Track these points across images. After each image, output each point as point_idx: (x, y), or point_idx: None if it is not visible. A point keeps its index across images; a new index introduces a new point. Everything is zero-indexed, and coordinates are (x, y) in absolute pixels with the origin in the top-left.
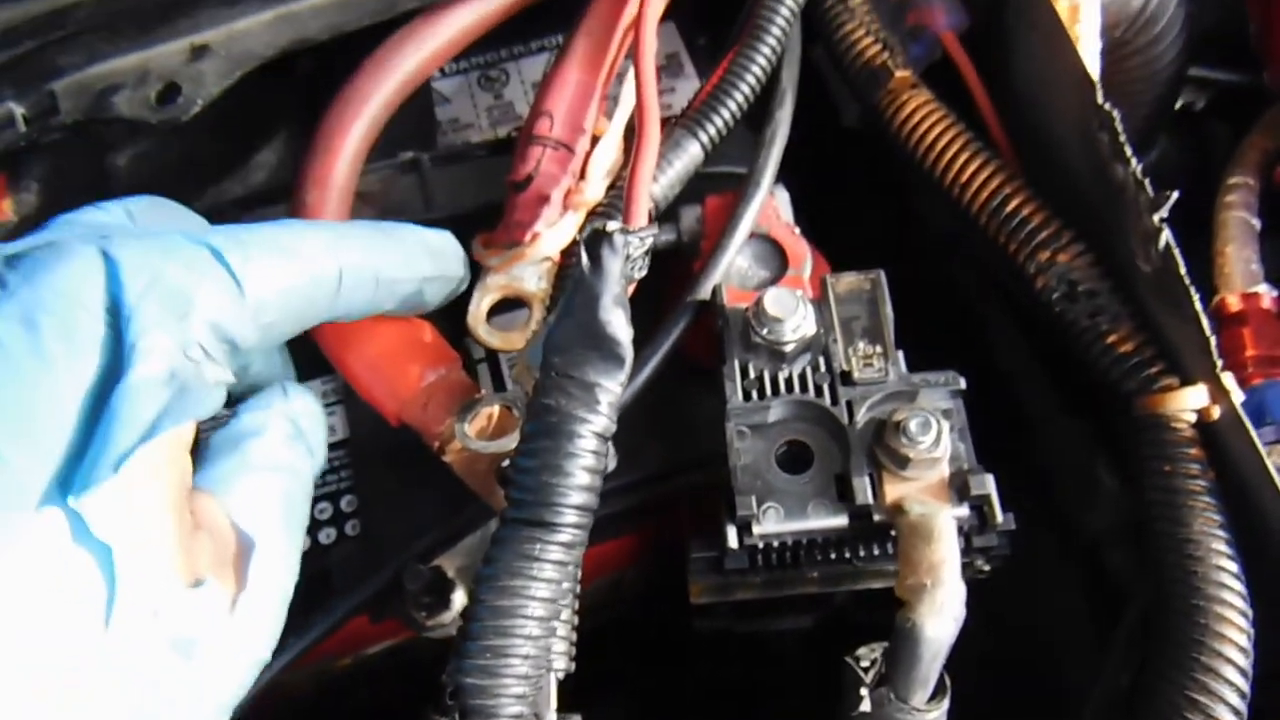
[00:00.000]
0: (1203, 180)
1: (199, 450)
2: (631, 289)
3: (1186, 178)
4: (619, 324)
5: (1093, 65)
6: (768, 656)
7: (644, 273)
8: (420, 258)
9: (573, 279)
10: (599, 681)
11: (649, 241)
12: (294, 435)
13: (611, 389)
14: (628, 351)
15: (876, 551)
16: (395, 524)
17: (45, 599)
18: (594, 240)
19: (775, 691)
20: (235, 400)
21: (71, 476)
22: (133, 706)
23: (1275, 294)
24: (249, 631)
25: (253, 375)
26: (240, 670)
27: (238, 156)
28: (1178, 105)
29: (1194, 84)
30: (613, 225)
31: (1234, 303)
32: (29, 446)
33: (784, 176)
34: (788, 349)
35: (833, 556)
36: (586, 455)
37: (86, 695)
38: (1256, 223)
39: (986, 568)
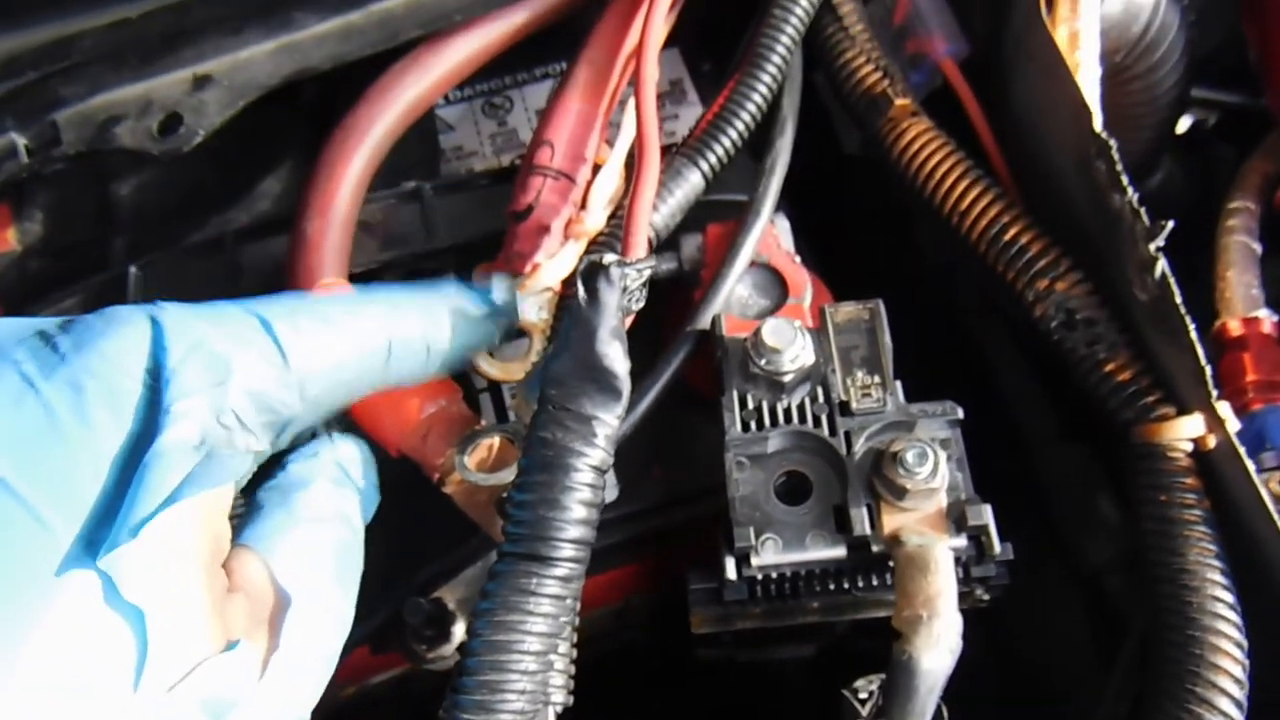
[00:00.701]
0: (1207, 202)
1: (249, 506)
2: (630, 320)
3: (1191, 200)
4: (616, 357)
5: (1092, 93)
6: (769, 684)
7: (642, 304)
8: (463, 322)
9: (570, 312)
10: (601, 710)
11: (646, 273)
12: (342, 481)
13: (609, 422)
14: (625, 384)
15: (875, 582)
16: (396, 555)
17: (74, 660)
18: (591, 273)
19: (776, 718)
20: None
21: (100, 538)
22: None
23: (1276, 319)
24: (284, 693)
25: (286, 440)
26: None
27: (241, 185)
28: (1182, 127)
29: (1198, 105)
30: (610, 258)
31: (1235, 327)
32: (67, 509)
33: (784, 204)
34: (786, 379)
35: (831, 587)
36: (583, 489)
37: None
38: (1258, 247)
39: (986, 597)
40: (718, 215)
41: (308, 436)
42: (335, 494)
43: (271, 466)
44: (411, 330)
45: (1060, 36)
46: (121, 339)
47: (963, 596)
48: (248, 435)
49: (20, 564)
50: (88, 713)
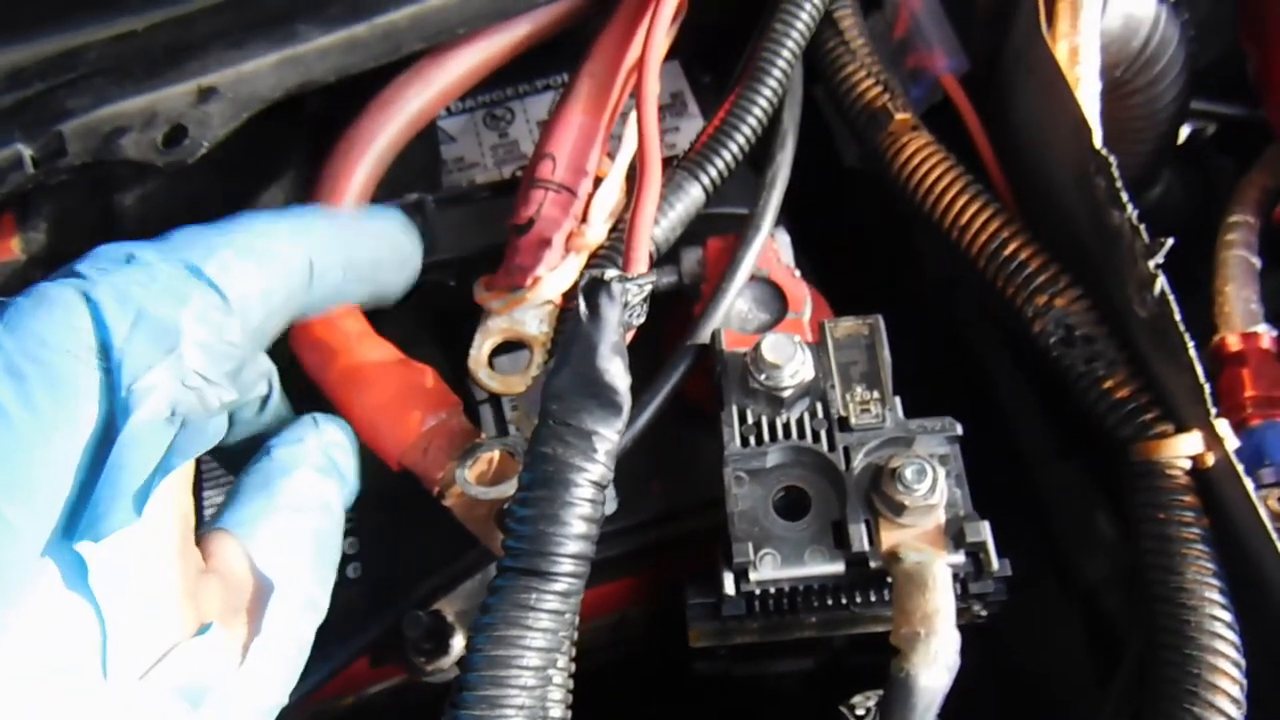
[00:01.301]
0: (1206, 214)
1: (231, 489)
2: (631, 335)
3: (1190, 213)
4: (616, 372)
5: (1092, 108)
6: (766, 698)
7: (643, 319)
8: (378, 241)
9: (570, 327)
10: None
11: (647, 288)
12: (325, 468)
13: (609, 437)
14: (625, 399)
15: (874, 598)
16: (396, 568)
17: (42, 652)
18: (592, 289)
19: None
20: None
21: (75, 526)
22: None
23: (1275, 334)
24: (261, 679)
25: (244, 387)
26: (250, 718)
27: (245, 197)
28: (1182, 138)
29: (1196, 116)
30: (611, 273)
31: (1234, 342)
32: (27, 501)
33: (784, 218)
34: (785, 394)
35: (829, 603)
36: (583, 504)
37: None
38: (1257, 261)
39: (983, 613)
40: (718, 228)
41: (260, 381)
42: (318, 481)
43: (255, 448)
44: (323, 245)
45: (1060, 52)
46: (56, 320)
47: (960, 613)
48: (215, 389)
49: None
50: (60, 702)
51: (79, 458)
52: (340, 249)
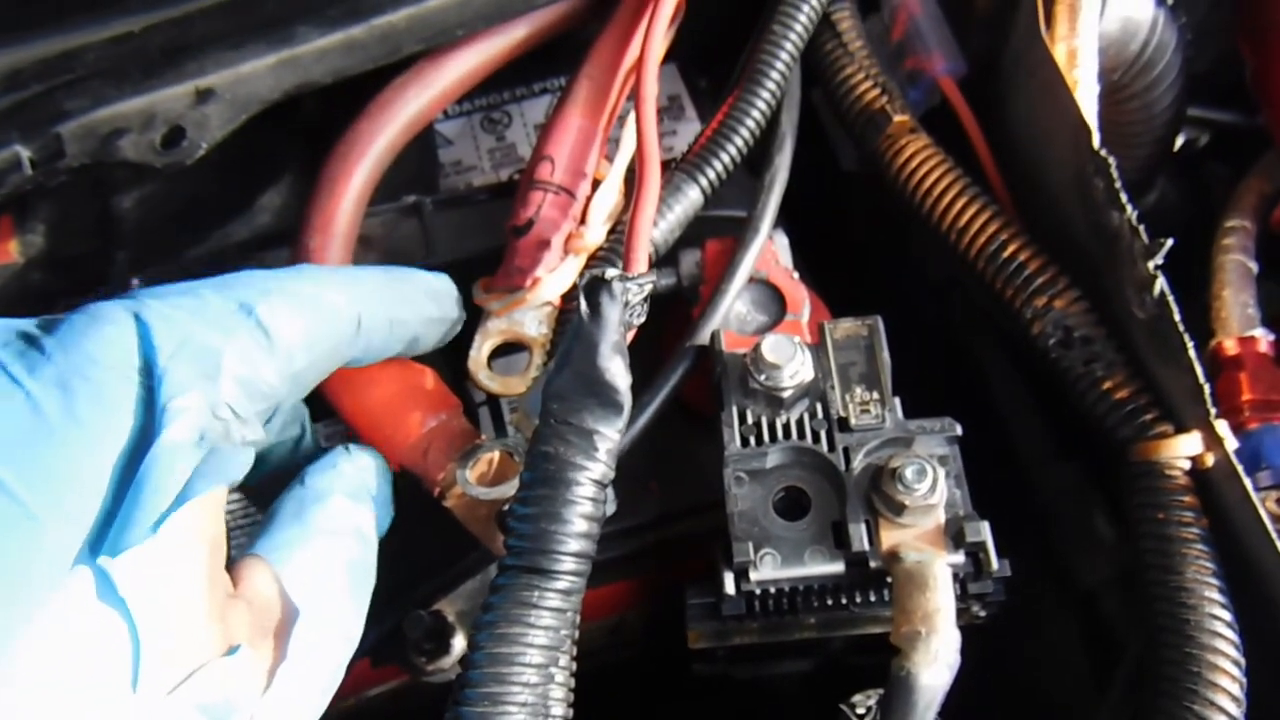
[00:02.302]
0: (1202, 221)
1: (265, 516)
2: (631, 335)
3: (1185, 219)
4: (617, 371)
5: (1090, 111)
6: (764, 701)
7: (643, 319)
8: (424, 300)
9: (571, 327)
10: None
11: (647, 288)
12: (359, 495)
13: (610, 436)
14: (626, 399)
15: (873, 598)
16: (396, 569)
17: (73, 661)
18: (592, 288)
19: None
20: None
21: (103, 538)
22: None
23: (1272, 338)
24: (287, 704)
25: (278, 429)
26: None
27: (242, 200)
28: (1176, 146)
29: (1193, 123)
30: (611, 272)
31: (1230, 347)
32: (62, 508)
33: (783, 221)
34: (785, 395)
35: (829, 603)
36: (585, 503)
37: None
38: (1254, 266)
39: (983, 614)
40: (716, 231)
41: (294, 424)
42: (351, 509)
43: (289, 477)
44: (373, 302)
45: (1058, 54)
46: (106, 337)
47: (959, 614)
48: (243, 426)
49: (14, 563)
50: (88, 713)
51: (112, 470)
52: (390, 305)
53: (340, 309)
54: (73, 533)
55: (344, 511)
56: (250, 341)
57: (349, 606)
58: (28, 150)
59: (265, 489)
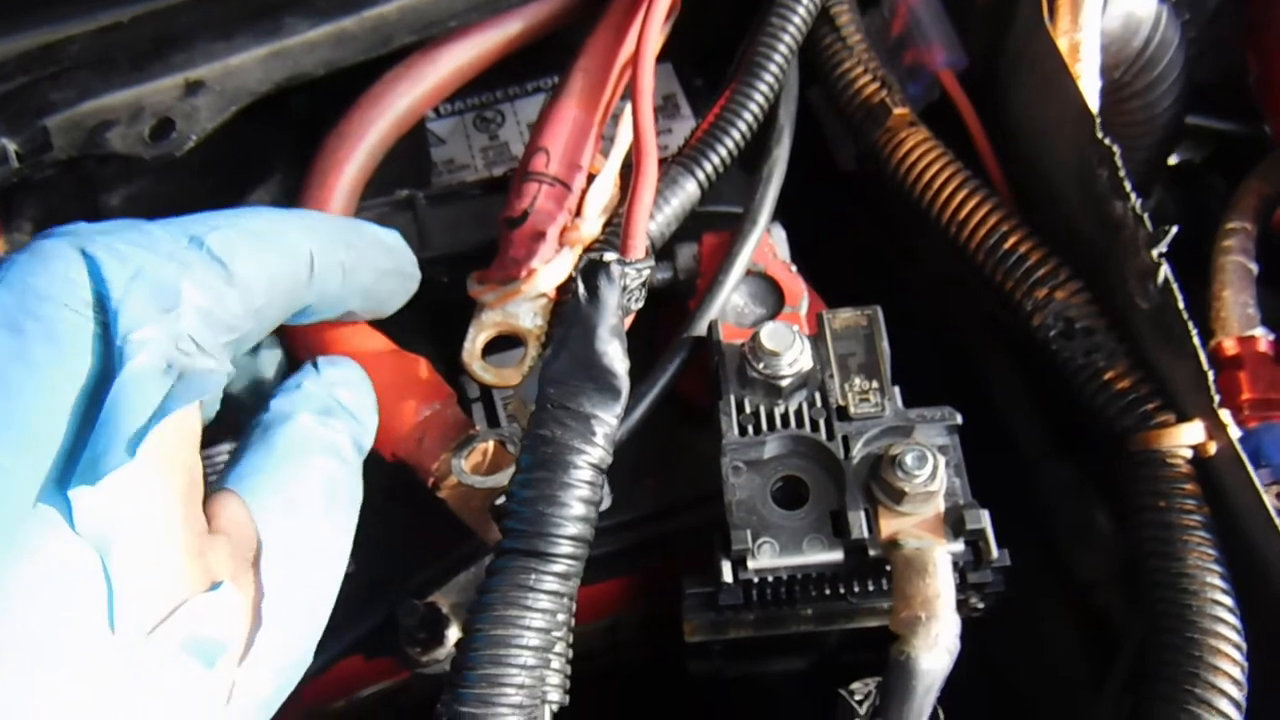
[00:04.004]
0: (1198, 231)
1: (234, 450)
2: (629, 321)
3: (1182, 229)
4: (615, 355)
5: (1092, 102)
6: (760, 700)
7: (641, 304)
8: (375, 250)
9: (569, 310)
10: None
11: (646, 273)
12: (329, 409)
13: (607, 421)
14: (624, 383)
15: (871, 587)
16: (390, 561)
17: (47, 602)
18: (591, 271)
19: None
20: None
21: (70, 472)
22: (151, 713)
23: (1272, 337)
24: (278, 636)
25: (250, 364)
26: (268, 678)
27: (231, 196)
28: (1176, 159)
29: (1191, 136)
30: (610, 256)
31: (1230, 346)
32: (22, 449)
33: (780, 216)
34: (784, 384)
35: (827, 592)
36: (582, 486)
37: (97, 700)
38: (1254, 267)
39: (981, 605)
40: (713, 227)
41: (268, 367)
42: (320, 426)
43: (258, 406)
44: (326, 243)
45: (1061, 46)
46: (54, 273)
47: (958, 604)
48: (207, 359)
49: None
50: (63, 654)
51: (73, 408)
52: (341, 248)
53: (293, 245)
54: (36, 474)
55: (312, 430)
56: (207, 273)
57: (329, 527)
58: (14, 144)
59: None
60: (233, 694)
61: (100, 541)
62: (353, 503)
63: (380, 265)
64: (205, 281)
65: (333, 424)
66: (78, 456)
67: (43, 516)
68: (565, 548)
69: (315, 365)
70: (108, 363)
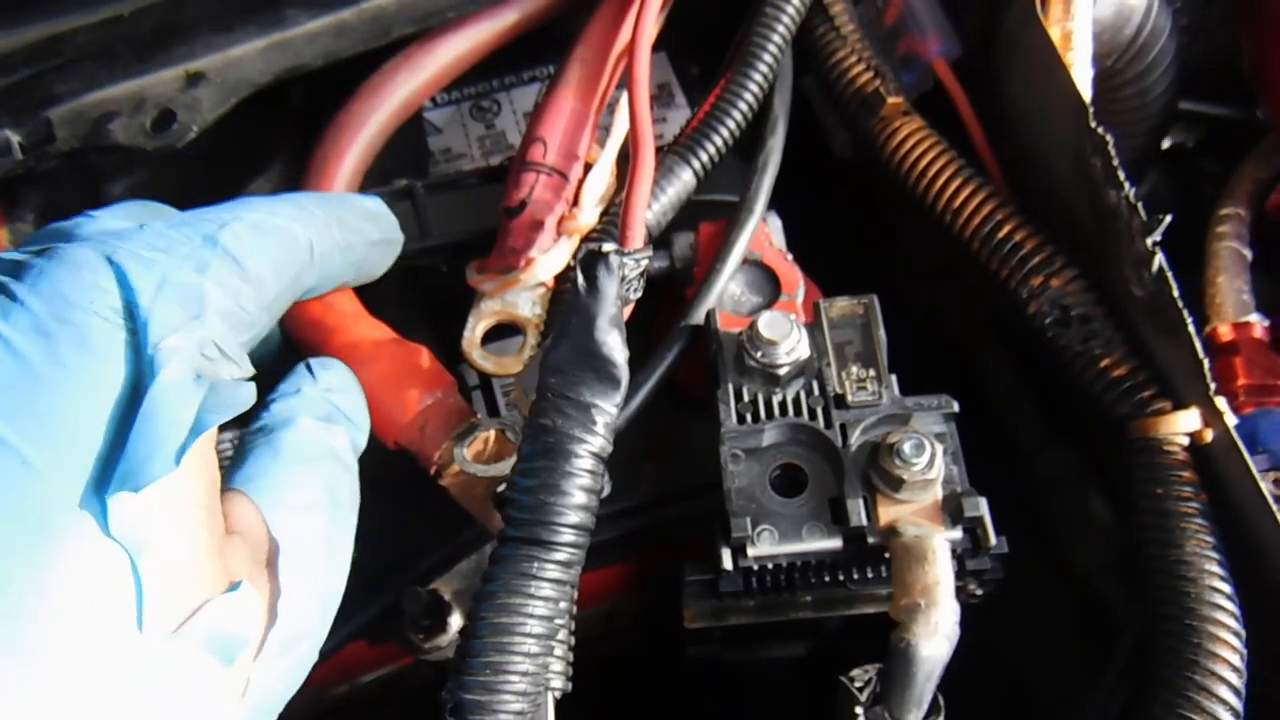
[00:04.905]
0: (1192, 216)
1: (236, 451)
2: (629, 311)
3: (1176, 213)
4: (615, 345)
5: (1085, 91)
6: (758, 686)
7: (639, 294)
8: (364, 221)
9: (568, 301)
10: (594, 713)
11: (644, 263)
12: (329, 415)
13: (608, 410)
14: (623, 372)
15: (870, 574)
16: (394, 550)
17: (78, 602)
18: (589, 261)
19: None
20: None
21: (105, 481)
22: (172, 709)
23: (1266, 323)
24: (290, 633)
25: (256, 356)
26: (283, 674)
27: (233, 189)
28: (1169, 143)
29: (1185, 120)
30: (608, 246)
31: (1225, 332)
32: (57, 453)
33: (776, 205)
34: (782, 372)
35: (826, 579)
36: (584, 475)
37: (122, 696)
38: (1248, 253)
39: (979, 592)
40: (709, 216)
41: (276, 360)
42: (321, 430)
43: (255, 409)
44: (320, 224)
45: (1053, 37)
46: (82, 281)
47: (956, 591)
48: (230, 364)
49: (14, 512)
50: (93, 653)
51: (107, 414)
52: (335, 227)
53: (294, 232)
54: (72, 478)
55: (314, 433)
56: (225, 273)
57: (334, 530)
58: (17, 135)
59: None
60: (247, 689)
61: (133, 544)
62: (353, 505)
63: (370, 236)
64: (224, 281)
65: (333, 429)
66: (112, 461)
67: (78, 519)
68: (567, 536)
69: (310, 369)
70: (139, 369)
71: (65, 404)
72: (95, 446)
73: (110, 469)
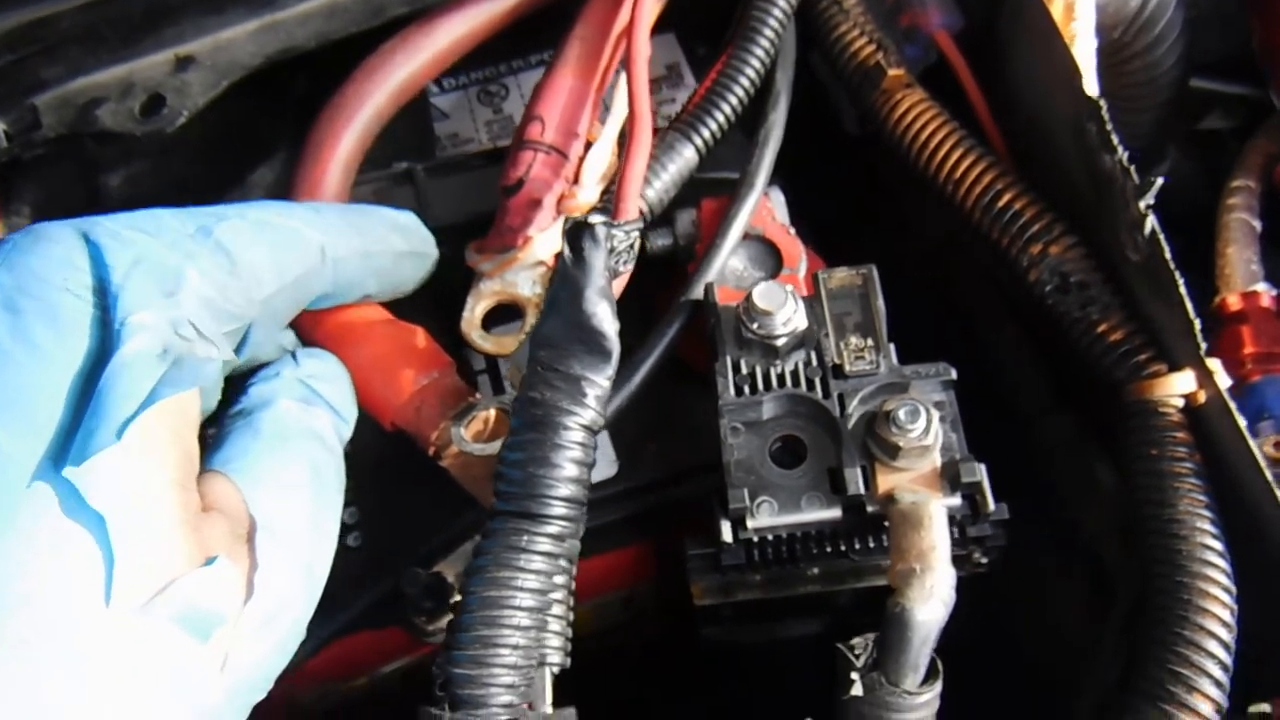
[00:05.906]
0: (1213, 192)
1: (216, 432)
2: (622, 284)
3: (1197, 191)
4: (604, 316)
5: (1087, 63)
6: (775, 670)
7: (630, 266)
8: (389, 232)
9: (557, 273)
10: (607, 702)
11: (634, 235)
12: (310, 399)
13: (598, 382)
14: (614, 344)
15: (872, 544)
16: (397, 534)
17: (42, 577)
18: (575, 232)
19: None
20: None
21: (66, 452)
22: (144, 686)
23: (1275, 293)
24: (272, 610)
25: (261, 357)
26: (262, 650)
27: (231, 177)
28: (1204, 128)
29: (1221, 104)
30: (595, 217)
31: (1234, 302)
32: (18, 427)
33: (780, 180)
34: (779, 343)
35: (829, 550)
36: (574, 448)
37: (90, 672)
38: (1258, 224)
39: (984, 560)
40: (712, 193)
41: (274, 355)
42: (302, 411)
43: (236, 395)
44: (338, 232)
45: (1055, 7)
46: (53, 256)
47: (961, 560)
48: (208, 345)
49: None
50: (58, 627)
51: (70, 389)
52: (353, 235)
53: (302, 235)
54: (34, 450)
55: (295, 415)
56: (212, 262)
57: (316, 508)
58: (2, 123)
59: None
60: (226, 664)
61: (96, 519)
62: (338, 486)
63: (396, 247)
64: (210, 270)
65: (314, 411)
66: (73, 434)
67: (39, 494)
68: (558, 509)
69: (294, 356)
70: (106, 345)
71: (29, 379)
72: (56, 422)
73: (71, 444)
